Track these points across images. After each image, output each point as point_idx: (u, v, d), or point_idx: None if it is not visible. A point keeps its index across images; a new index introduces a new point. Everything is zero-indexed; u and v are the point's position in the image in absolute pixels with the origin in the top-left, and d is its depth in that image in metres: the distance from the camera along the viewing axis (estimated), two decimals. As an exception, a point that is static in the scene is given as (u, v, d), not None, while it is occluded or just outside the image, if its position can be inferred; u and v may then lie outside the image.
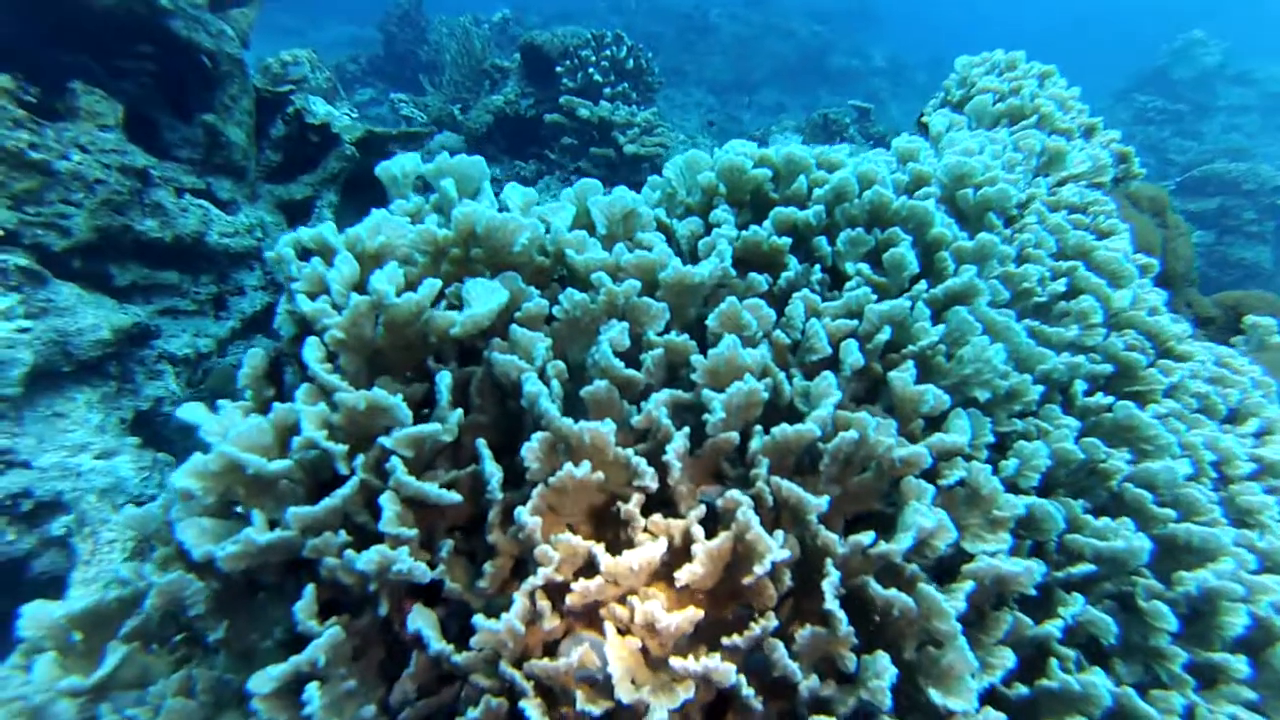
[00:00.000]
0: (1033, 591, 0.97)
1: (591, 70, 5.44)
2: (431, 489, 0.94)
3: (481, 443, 1.00)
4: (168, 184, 2.60)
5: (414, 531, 0.93)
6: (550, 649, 0.98)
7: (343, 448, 0.94)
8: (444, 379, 1.02)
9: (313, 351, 0.98)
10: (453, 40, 6.98)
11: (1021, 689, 0.97)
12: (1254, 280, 6.41)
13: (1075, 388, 1.34)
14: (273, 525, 0.91)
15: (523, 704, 0.87)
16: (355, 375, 1.04)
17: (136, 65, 2.70)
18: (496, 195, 1.32)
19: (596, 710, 0.87)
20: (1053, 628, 1.00)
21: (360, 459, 0.96)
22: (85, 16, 2.42)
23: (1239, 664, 1.05)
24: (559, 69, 5.48)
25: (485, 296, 1.07)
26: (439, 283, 1.05)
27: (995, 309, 1.29)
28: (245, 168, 2.98)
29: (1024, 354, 1.26)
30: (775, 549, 0.86)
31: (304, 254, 1.13)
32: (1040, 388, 1.19)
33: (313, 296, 1.05)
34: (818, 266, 1.25)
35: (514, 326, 1.06)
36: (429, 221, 1.18)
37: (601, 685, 0.89)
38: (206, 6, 2.84)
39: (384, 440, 0.95)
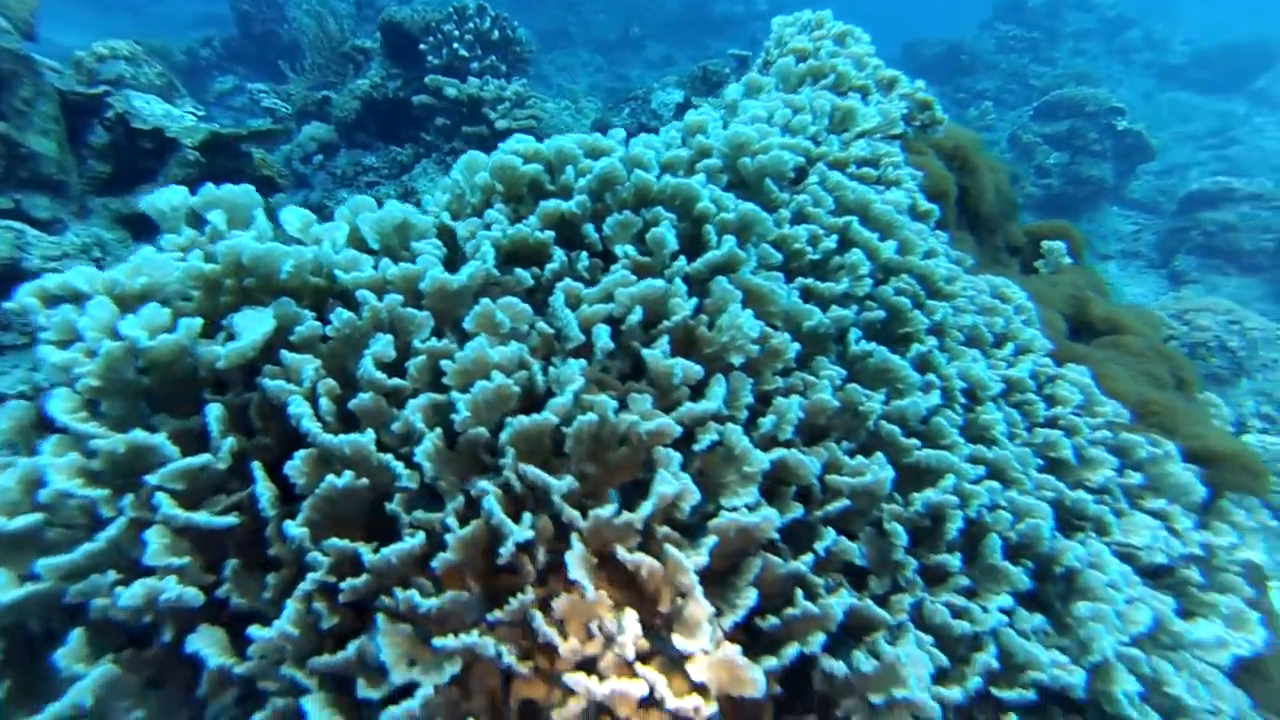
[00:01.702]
0: (775, 537, 1.10)
1: (456, 45, 5.29)
2: (201, 517, 0.98)
3: (255, 465, 1.04)
4: (-37, 208, 2.45)
5: (185, 560, 0.97)
6: (344, 641, 1.04)
7: (103, 492, 0.97)
8: (213, 411, 1.06)
9: (59, 403, 0.99)
10: (311, 20, 6.61)
11: (772, 619, 1.11)
12: (1102, 195, 6.93)
13: (850, 337, 1.48)
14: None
15: (302, 700, 0.94)
16: (122, 418, 1.06)
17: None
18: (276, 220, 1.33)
19: (375, 694, 0.95)
20: (801, 564, 1.14)
21: (129, 499, 1.00)
22: None
23: (954, 560, 1.24)
24: (423, 46, 5.31)
25: (252, 326, 1.09)
26: (199, 321, 1.08)
27: (764, 272, 1.40)
28: (63, 181, 2.81)
29: (791, 313, 1.38)
30: (516, 531, 0.95)
31: (54, 301, 1.12)
32: (797, 346, 1.31)
33: (64, 345, 1.06)
34: (585, 253, 1.32)
35: (283, 352, 1.10)
36: (193, 257, 1.18)
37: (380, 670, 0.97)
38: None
39: (150, 478, 0.99)
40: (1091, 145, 6.87)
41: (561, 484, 1.00)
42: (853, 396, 1.34)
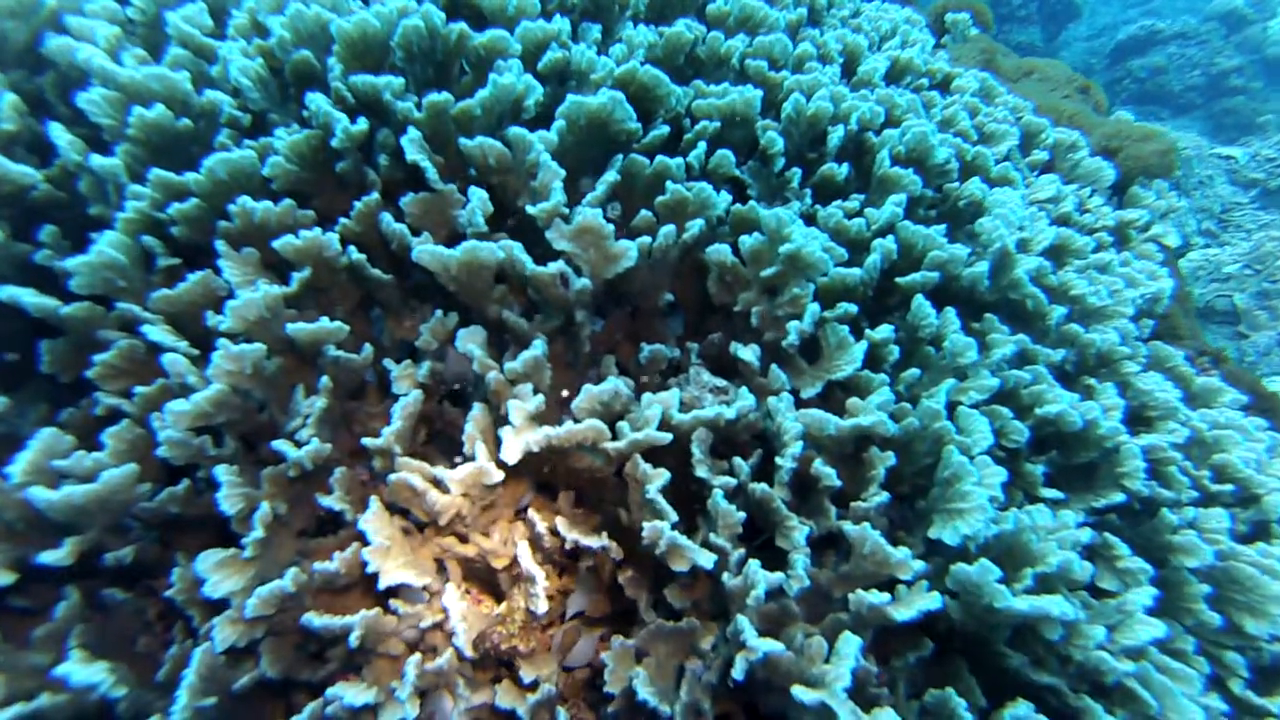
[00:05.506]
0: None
1: None
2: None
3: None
4: None
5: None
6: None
7: None
8: None
9: None
10: None
11: (645, 212, 1.05)
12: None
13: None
14: None
15: (143, 328, 0.89)
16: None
17: None
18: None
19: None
20: (670, 161, 1.09)
21: None
22: None
23: (840, 169, 1.21)
24: None
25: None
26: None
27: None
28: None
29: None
30: (343, 119, 0.90)
31: None
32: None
33: None
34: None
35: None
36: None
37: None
38: None
39: None
40: (1017, 11, 6.86)
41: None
42: (712, 43, 1.30)
